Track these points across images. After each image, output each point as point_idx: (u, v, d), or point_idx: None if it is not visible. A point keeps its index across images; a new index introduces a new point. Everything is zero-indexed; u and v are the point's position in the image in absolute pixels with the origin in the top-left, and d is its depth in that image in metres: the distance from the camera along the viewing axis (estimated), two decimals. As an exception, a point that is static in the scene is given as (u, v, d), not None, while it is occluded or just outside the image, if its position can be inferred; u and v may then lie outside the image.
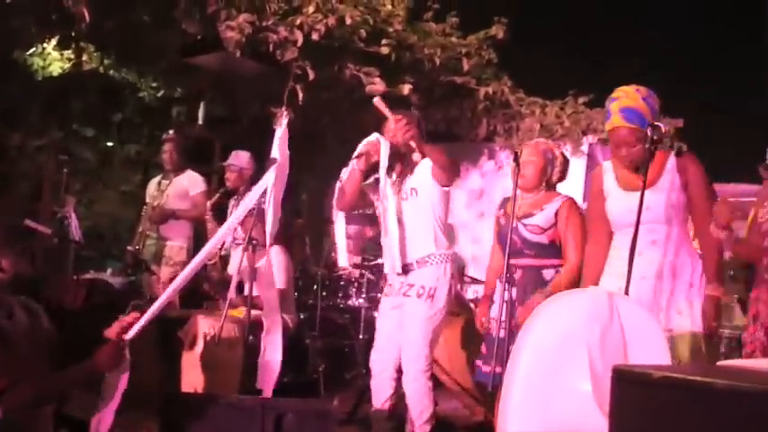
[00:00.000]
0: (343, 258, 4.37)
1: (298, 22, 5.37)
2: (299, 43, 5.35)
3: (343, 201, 4.25)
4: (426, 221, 4.12)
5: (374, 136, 4.06)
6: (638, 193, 3.23)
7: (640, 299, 3.21)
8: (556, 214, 4.03)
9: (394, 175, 4.17)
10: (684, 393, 1.64)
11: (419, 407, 4.04)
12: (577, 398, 2.42)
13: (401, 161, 4.14)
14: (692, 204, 3.43)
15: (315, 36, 5.38)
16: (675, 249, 3.40)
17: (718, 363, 1.91)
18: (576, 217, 4.04)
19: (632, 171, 3.45)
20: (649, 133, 3.27)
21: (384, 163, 4.00)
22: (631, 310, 2.63)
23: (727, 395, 1.57)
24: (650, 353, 2.52)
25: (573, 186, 7.08)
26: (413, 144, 3.96)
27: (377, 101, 3.98)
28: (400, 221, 4.13)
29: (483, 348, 4.24)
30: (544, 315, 2.67)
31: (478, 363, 4.22)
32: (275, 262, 5.15)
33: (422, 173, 4.11)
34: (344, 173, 4.19)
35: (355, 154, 4.07)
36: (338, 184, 4.24)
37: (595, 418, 1.92)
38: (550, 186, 4.18)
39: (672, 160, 3.43)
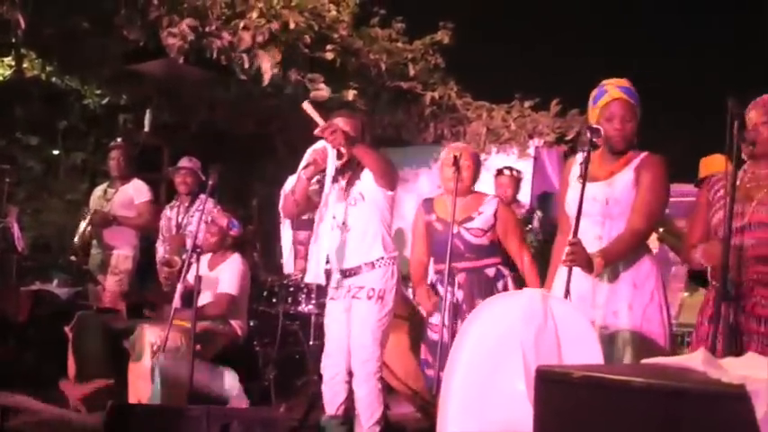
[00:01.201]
0: (290, 265, 4.38)
1: (241, 26, 5.35)
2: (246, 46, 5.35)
3: (289, 208, 4.23)
4: (373, 226, 4.13)
5: (321, 143, 4.00)
6: (595, 184, 3.26)
7: (580, 296, 3.18)
8: (494, 215, 4.30)
9: (343, 182, 4.15)
10: (603, 392, 1.68)
11: (369, 409, 4.05)
12: (513, 398, 2.45)
13: (349, 167, 4.12)
14: (634, 199, 3.32)
15: (259, 39, 5.37)
16: None
17: (643, 360, 1.96)
18: (511, 215, 4.48)
19: (618, 150, 3.36)
20: (589, 135, 3.28)
21: (330, 171, 3.98)
22: (565, 311, 2.67)
23: (643, 393, 1.61)
24: (583, 353, 2.55)
25: (521, 188, 7.18)
26: (342, 150, 3.92)
27: (305, 105, 3.89)
28: (348, 226, 4.12)
29: (422, 352, 4.29)
30: (481, 316, 2.70)
31: (426, 370, 4.28)
32: (233, 268, 5.15)
33: (368, 178, 4.11)
34: (289, 181, 4.18)
35: (303, 163, 4.03)
36: (283, 192, 4.23)
37: (530, 418, 1.95)
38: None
39: (637, 159, 3.35)
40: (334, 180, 4.06)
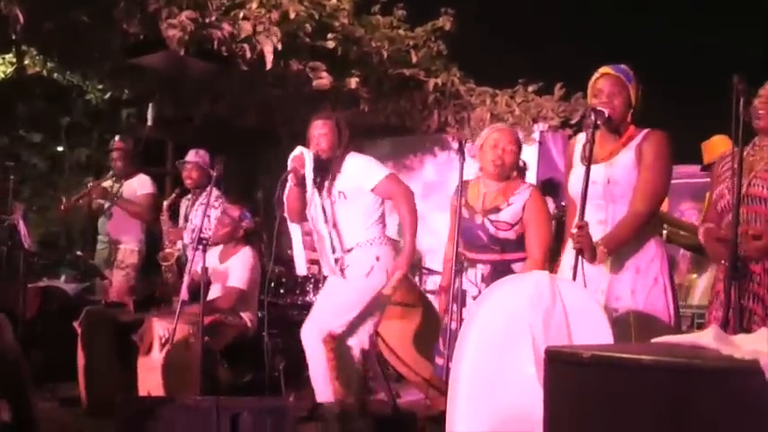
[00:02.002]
0: (302, 267, 4.40)
1: (241, 16, 5.33)
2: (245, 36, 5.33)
3: (291, 213, 4.31)
4: (358, 220, 4.23)
5: (298, 149, 4.17)
6: (595, 166, 3.20)
7: (586, 280, 3.18)
8: (523, 207, 3.87)
9: (327, 181, 4.24)
10: (614, 371, 1.66)
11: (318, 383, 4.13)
12: (523, 381, 2.44)
13: (330, 166, 4.22)
14: (636, 180, 3.27)
15: (260, 29, 5.35)
16: None
17: (653, 339, 1.94)
18: (542, 209, 3.92)
19: (611, 127, 3.31)
20: (593, 117, 3.26)
21: (309, 175, 4.10)
22: (574, 293, 2.65)
23: (655, 371, 1.59)
24: (593, 334, 2.54)
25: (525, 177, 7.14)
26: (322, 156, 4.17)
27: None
28: (334, 223, 4.22)
29: (440, 344, 4.26)
30: (488, 301, 2.69)
31: (436, 359, 4.23)
32: (243, 261, 5.15)
33: (347, 175, 4.20)
34: (280, 186, 4.23)
35: (287, 171, 4.17)
36: (284, 196, 4.30)
37: (539, 400, 1.93)
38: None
39: (638, 138, 3.29)
40: (319, 181, 4.19)
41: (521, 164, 4.18)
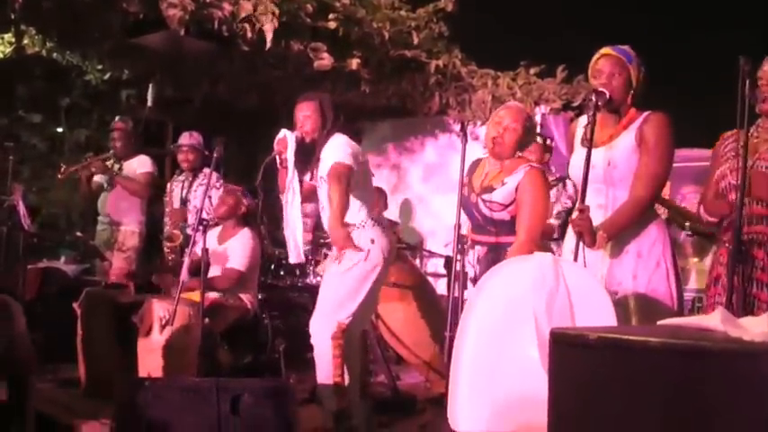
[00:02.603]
0: (296, 256, 4.36)
1: (241, -5, 5.30)
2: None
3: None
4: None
5: (282, 132, 4.16)
6: (595, 150, 3.16)
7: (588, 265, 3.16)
8: (517, 188, 3.69)
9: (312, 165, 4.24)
10: (620, 352, 1.65)
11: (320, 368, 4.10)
12: (526, 364, 2.43)
13: (315, 150, 4.19)
14: (637, 164, 3.22)
15: (260, 9, 5.31)
16: None
17: (659, 322, 1.92)
18: (536, 190, 3.69)
19: (610, 107, 3.26)
20: (594, 98, 3.23)
21: (291, 158, 4.10)
22: (577, 274, 2.64)
23: (663, 353, 1.58)
24: (597, 317, 2.53)
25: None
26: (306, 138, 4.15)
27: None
28: (323, 207, 4.23)
29: None
30: (490, 284, 2.67)
31: None
32: (243, 243, 5.14)
33: (324, 159, 4.15)
34: (262, 170, 4.24)
35: (271, 154, 4.18)
36: (259, 181, 4.32)
37: (543, 383, 1.92)
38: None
39: (639, 121, 3.24)
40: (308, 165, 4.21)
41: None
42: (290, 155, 4.10)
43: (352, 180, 4.08)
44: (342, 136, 4.20)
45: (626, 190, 3.24)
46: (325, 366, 4.07)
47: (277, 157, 4.16)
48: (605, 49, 3.33)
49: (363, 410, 4.20)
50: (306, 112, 4.18)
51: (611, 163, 3.25)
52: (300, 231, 4.21)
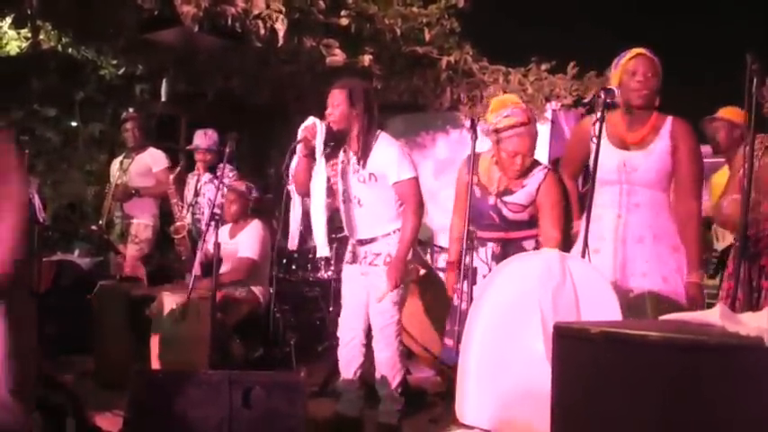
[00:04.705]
0: (294, 242, 4.32)
1: (255, -8, 5.33)
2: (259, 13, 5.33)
3: (298, 185, 4.19)
4: (387, 204, 4.08)
5: (310, 120, 4.03)
6: (629, 153, 3.29)
7: (621, 263, 3.23)
8: (537, 189, 3.86)
9: (354, 157, 4.07)
10: (621, 347, 1.68)
11: (392, 372, 4.08)
12: (532, 358, 2.46)
13: (357, 141, 4.04)
14: (678, 172, 3.34)
15: (273, 6, 5.34)
16: (659, 213, 3.36)
17: (662, 317, 1.96)
18: (558, 191, 3.87)
19: (639, 106, 3.35)
20: (603, 96, 3.27)
21: (319, 146, 3.99)
22: (583, 271, 2.67)
23: (662, 347, 1.62)
24: (602, 312, 2.56)
25: (539, 152, 7.12)
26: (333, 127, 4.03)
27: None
28: (361, 203, 4.10)
29: (447, 324, 4.27)
30: (497, 280, 2.70)
31: (445, 339, 4.24)
32: (253, 233, 5.18)
33: (381, 160, 4.02)
34: (289, 155, 4.13)
35: (297, 140, 4.05)
36: (291, 170, 4.18)
37: (548, 377, 1.96)
38: None
39: (667, 125, 3.34)
40: (336, 154, 4.10)
41: None
42: (318, 143, 3.98)
43: None
44: (393, 141, 4.10)
45: (657, 190, 3.36)
46: (398, 364, 4.12)
47: (299, 145, 4.03)
48: (640, 50, 3.38)
49: (358, 397, 4.23)
50: (335, 101, 4.01)
51: (638, 168, 3.33)
52: (323, 222, 4.06)
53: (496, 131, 3.83)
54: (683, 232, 3.33)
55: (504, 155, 3.82)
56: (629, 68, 3.35)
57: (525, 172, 3.87)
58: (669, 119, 3.36)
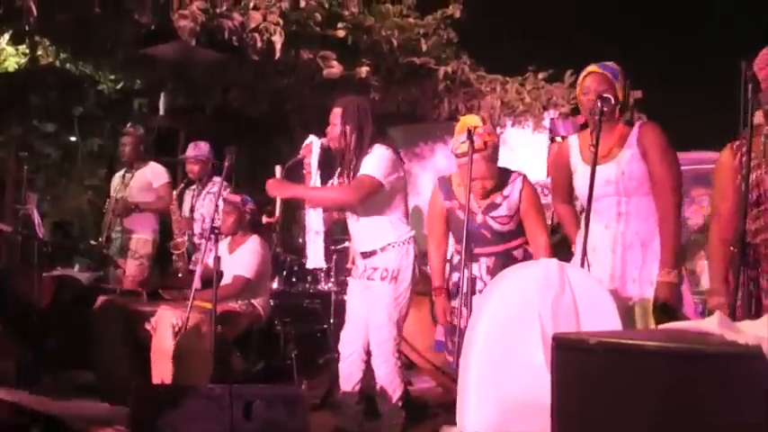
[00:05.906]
0: (313, 261, 4.30)
1: (251, 5, 5.35)
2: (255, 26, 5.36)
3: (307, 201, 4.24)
4: (379, 216, 4.08)
5: (309, 138, 4.12)
6: (601, 166, 3.28)
7: (612, 272, 3.23)
8: (519, 195, 3.91)
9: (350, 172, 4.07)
10: (620, 357, 1.69)
11: (391, 386, 4.07)
12: (531, 368, 2.46)
13: (351, 158, 4.04)
14: (652, 173, 3.35)
15: (270, 19, 5.37)
16: (644, 219, 3.37)
17: (659, 326, 1.95)
18: (535, 193, 4.00)
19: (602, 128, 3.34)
20: (599, 104, 3.29)
21: (314, 164, 4.06)
22: (582, 280, 2.67)
23: (660, 356, 1.62)
24: (602, 321, 2.55)
25: (537, 161, 7.16)
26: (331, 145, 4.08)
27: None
28: (356, 216, 4.11)
29: (437, 334, 4.25)
30: (497, 290, 2.71)
31: (447, 355, 4.22)
32: (249, 250, 5.17)
33: (362, 166, 4.01)
34: (286, 171, 4.16)
35: (295, 159, 4.13)
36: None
37: (548, 387, 1.96)
38: None
39: (635, 132, 3.38)
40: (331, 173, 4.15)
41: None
42: (313, 160, 4.06)
43: (389, 195, 4.04)
44: (380, 148, 4.01)
45: (638, 196, 3.36)
46: (396, 378, 4.09)
47: (303, 162, 4.11)
48: (592, 67, 3.45)
49: (357, 411, 4.22)
50: (333, 119, 4.05)
51: (624, 173, 3.34)
52: (321, 237, 4.14)
53: (456, 156, 3.91)
54: (659, 231, 3.33)
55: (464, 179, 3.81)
56: (583, 87, 3.45)
57: (500, 184, 3.92)
58: (636, 125, 3.41)
